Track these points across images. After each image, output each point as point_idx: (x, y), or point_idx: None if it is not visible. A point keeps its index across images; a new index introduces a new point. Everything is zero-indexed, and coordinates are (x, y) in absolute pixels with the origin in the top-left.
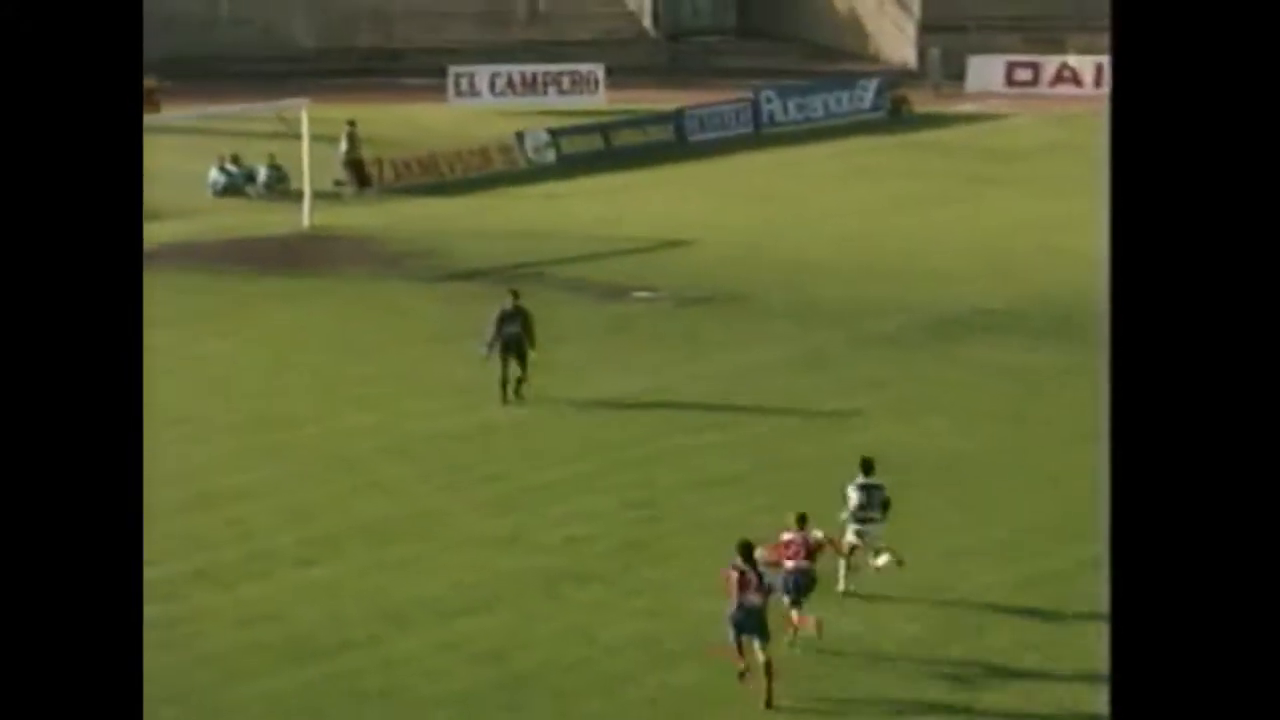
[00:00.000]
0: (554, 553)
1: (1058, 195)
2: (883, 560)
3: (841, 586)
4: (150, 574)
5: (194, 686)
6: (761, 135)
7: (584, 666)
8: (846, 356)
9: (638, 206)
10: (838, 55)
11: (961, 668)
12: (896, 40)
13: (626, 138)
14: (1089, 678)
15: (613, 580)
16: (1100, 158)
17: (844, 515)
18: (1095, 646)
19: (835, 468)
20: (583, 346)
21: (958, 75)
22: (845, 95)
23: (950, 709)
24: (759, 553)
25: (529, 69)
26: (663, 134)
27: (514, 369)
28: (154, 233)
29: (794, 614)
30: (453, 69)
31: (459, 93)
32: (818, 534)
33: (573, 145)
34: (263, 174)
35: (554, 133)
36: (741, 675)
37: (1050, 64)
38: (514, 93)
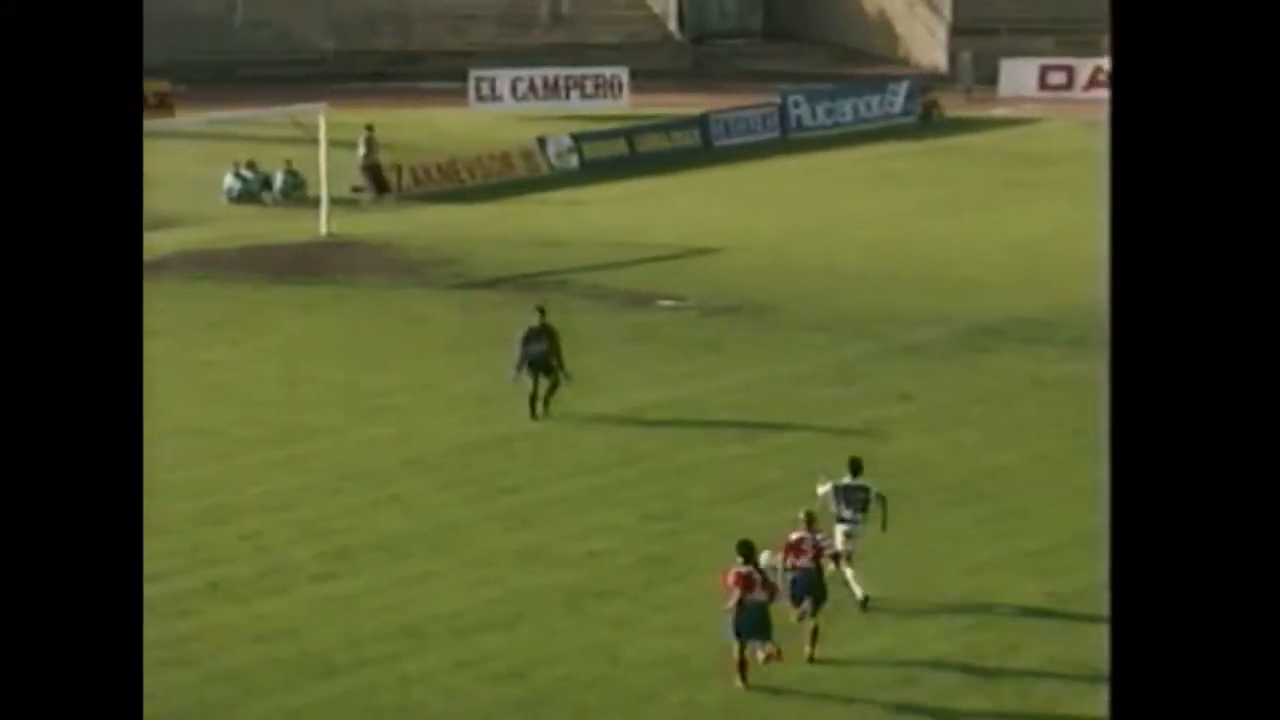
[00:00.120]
0: (575, 567)
1: (1092, 201)
2: (858, 592)
3: (859, 593)
4: (164, 589)
5: (208, 704)
6: (789, 140)
7: (606, 684)
8: (875, 367)
9: (662, 213)
10: (867, 58)
11: (993, 684)
12: (927, 43)
13: (651, 143)
14: None
15: (636, 596)
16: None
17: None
18: None
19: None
20: (605, 356)
21: (990, 79)
22: (875, 99)
23: None
24: (764, 557)
25: (551, 72)
26: (688, 139)
27: (544, 384)
28: (167, 240)
29: (794, 613)
30: (473, 72)
31: (480, 97)
32: (824, 538)
33: (596, 150)
34: (279, 180)
35: (577, 138)
36: (744, 678)
37: (1085, 67)
38: (536, 97)
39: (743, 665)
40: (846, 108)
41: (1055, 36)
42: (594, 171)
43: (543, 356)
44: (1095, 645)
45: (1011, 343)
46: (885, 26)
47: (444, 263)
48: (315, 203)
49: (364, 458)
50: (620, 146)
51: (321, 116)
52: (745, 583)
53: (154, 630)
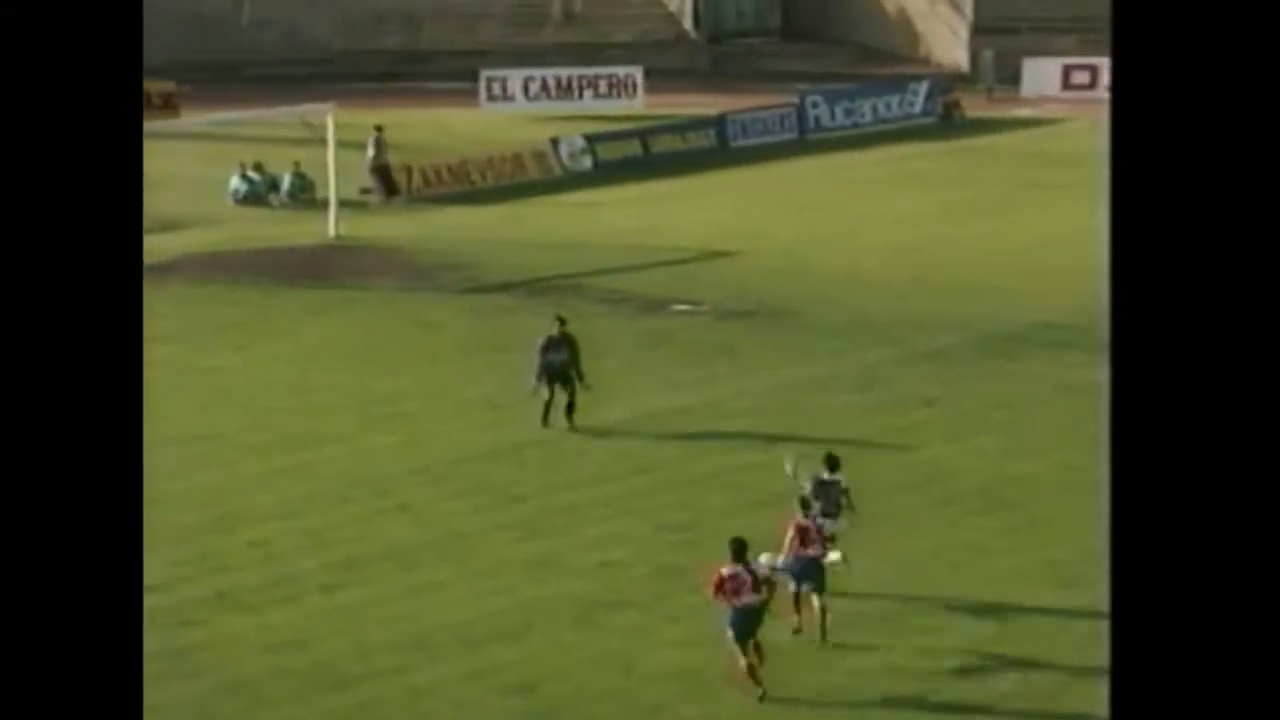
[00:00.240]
0: (588, 578)
1: None
2: (834, 556)
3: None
4: (170, 599)
5: (215, 716)
6: (807, 141)
7: (618, 697)
8: (896, 373)
9: (677, 216)
10: (887, 58)
11: (1017, 695)
12: (948, 42)
13: (666, 144)
14: None
15: (649, 607)
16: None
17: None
18: None
19: (885, 489)
20: (620, 361)
21: (1012, 78)
22: (895, 99)
23: None
24: (764, 558)
25: (564, 72)
26: (704, 140)
27: (560, 396)
28: (173, 243)
29: (798, 601)
30: (485, 72)
31: (491, 97)
32: (829, 524)
33: (610, 152)
34: (286, 182)
35: (590, 139)
36: (751, 670)
37: (1108, 67)
38: (548, 97)
39: (752, 670)
40: (866, 108)
41: (1078, 35)
42: (608, 173)
43: (562, 366)
44: None
45: (1035, 348)
46: (905, 25)
47: (455, 266)
48: (323, 205)
49: (373, 465)
50: (635, 148)
51: (329, 117)
52: (732, 585)
53: (159, 641)
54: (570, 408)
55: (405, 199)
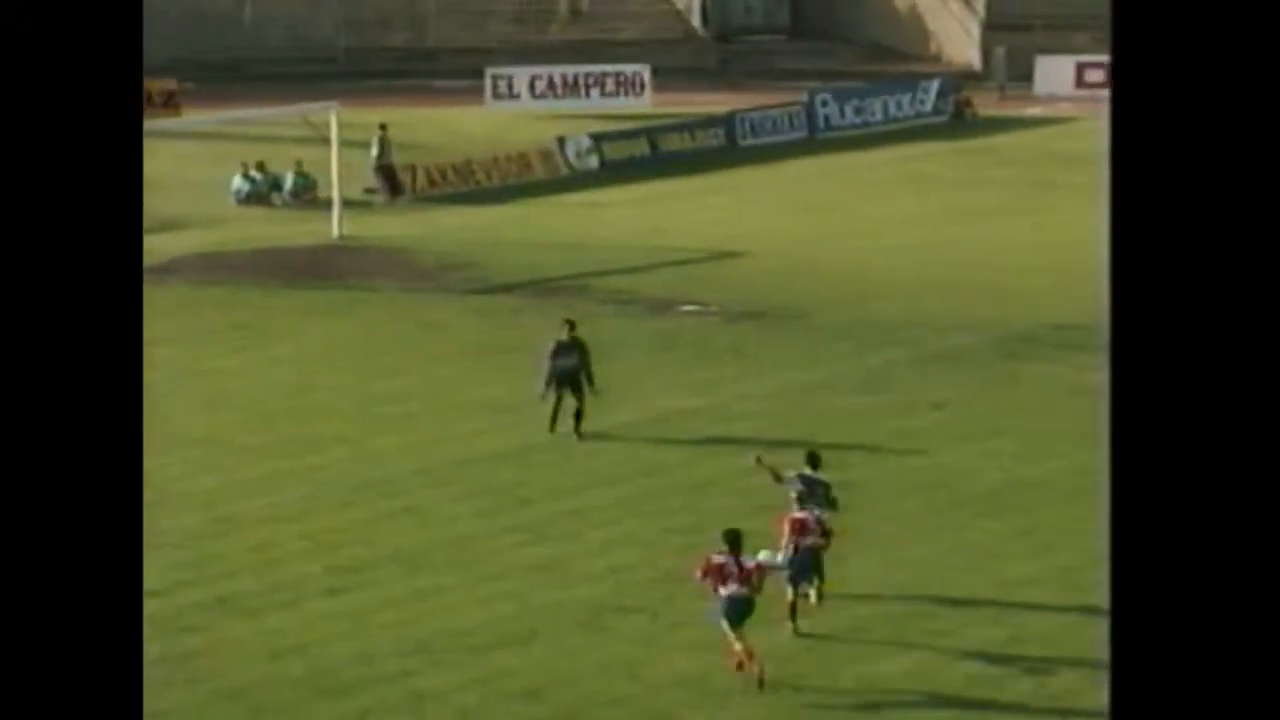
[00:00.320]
0: (594, 582)
1: None
2: (764, 555)
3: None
4: (170, 604)
5: None
6: (816, 140)
7: (626, 704)
8: (906, 376)
9: (685, 216)
10: (897, 56)
11: (1028, 702)
12: (960, 39)
13: (674, 143)
14: None
15: (657, 612)
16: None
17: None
18: None
19: (895, 493)
20: (627, 363)
21: (1025, 76)
22: (905, 98)
23: None
24: (763, 555)
25: (571, 70)
26: (712, 139)
27: (569, 402)
28: (174, 243)
29: (790, 590)
30: (490, 70)
31: (497, 95)
32: (823, 514)
33: (617, 151)
34: (289, 181)
35: (597, 138)
36: (740, 665)
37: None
38: (555, 95)
39: (749, 655)
40: (876, 107)
41: (1092, 32)
42: (615, 172)
43: (573, 372)
44: None
45: (1047, 349)
46: (916, 22)
47: (460, 267)
48: (327, 205)
49: (376, 468)
50: (642, 147)
51: (333, 116)
52: (719, 573)
53: (159, 646)
54: (579, 415)
55: (409, 199)
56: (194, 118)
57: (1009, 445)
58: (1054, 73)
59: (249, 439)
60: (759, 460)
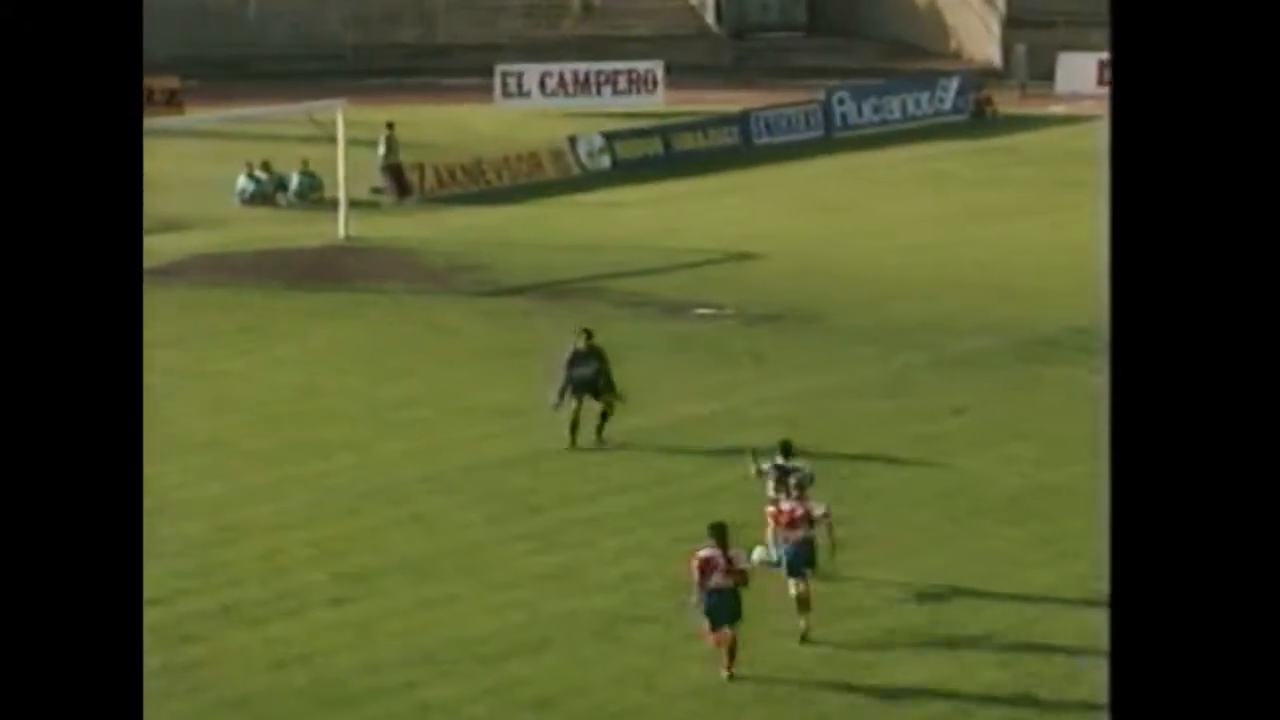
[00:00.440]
0: (607, 591)
1: None
2: (759, 554)
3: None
4: (172, 612)
5: None
6: (833, 139)
7: (640, 714)
8: (926, 379)
9: (699, 216)
10: (916, 53)
11: (1049, 717)
12: (980, 36)
13: (687, 142)
14: None
15: (671, 621)
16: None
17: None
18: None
19: (914, 499)
20: (641, 368)
21: (1046, 74)
22: (924, 96)
23: None
24: (758, 553)
25: (582, 67)
26: (727, 138)
27: (591, 408)
28: (178, 244)
29: (791, 585)
30: (500, 67)
31: (507, 93)
32: (816, 506)
33: (629, 150)
34: (294, 181)
35: (609, 136)
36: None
37: None
38: (566, 93)
39: (721, 645)
40: (894, 105)
41: None
42: (627, 172)
43: (589, 381)
44: None
45: (1070, 353)
46: (935, 19)
47: (469, 268)
48: (333, 205)
49: (384, 474)
50: (655, 146)
51: (340, 114)
52: (706, 566)
53: (161, 656)
54: (604, 417)
55: (418, 199)
56: (197, 116)
57: (1031, 451)
58: (1076, 70)
59: (253, 444)
60: (754, 456)
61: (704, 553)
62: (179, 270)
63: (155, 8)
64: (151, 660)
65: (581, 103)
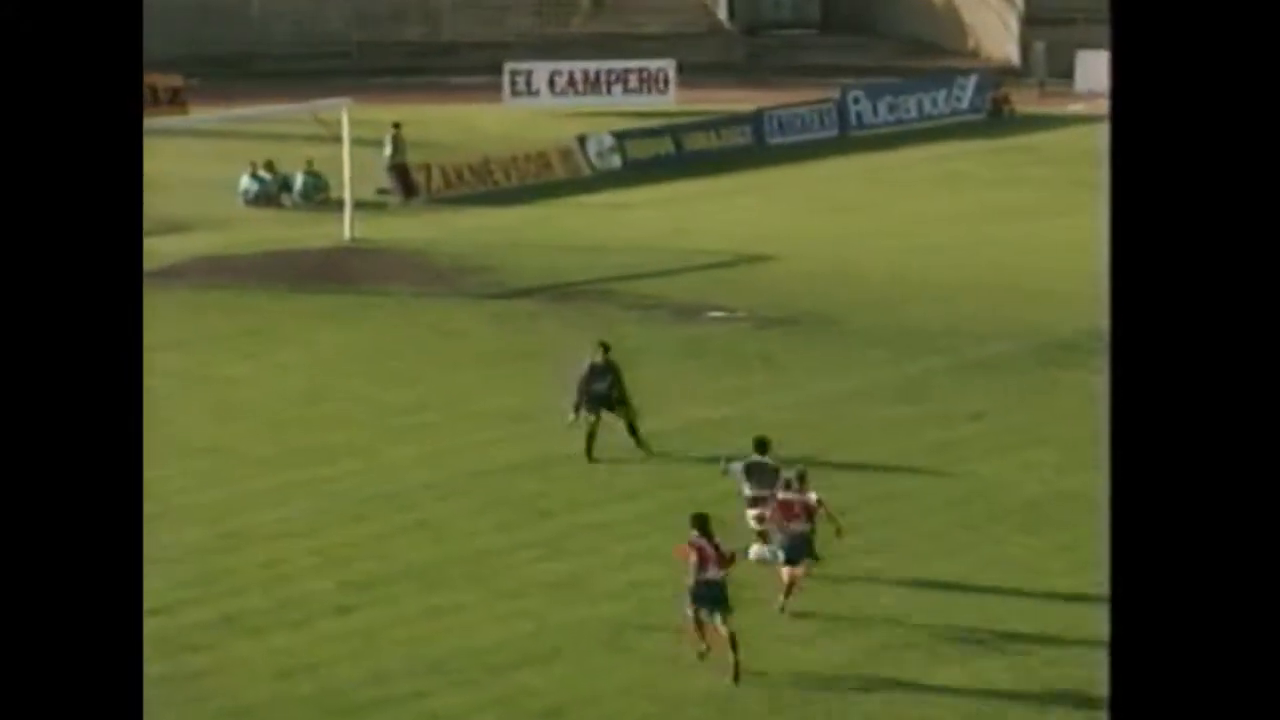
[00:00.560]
0: (617, 599)
1: None
2: (755, 550)
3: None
4: (174, 621)
5: None
6: (848, 139)
7: None
8: (943, 384)
9: (712, 217)
10: (933, 51)
11: None
12: (998, 33)
13: (699, 141)
14: None
15: (681, 630)
16: None
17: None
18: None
19: (931, 506)
20: (651, 372)
21: (1065, 72)
22: (941, 95)
23: None
24: (754, 550)
25: (592, 66)
26: (739, 137)
27: (612, 422)
28: (180, 245)
29: (785, 572)
30: (508, 65)
31: (515, 92)
32: (813, 496)
33: (640, 150)
34: (299, 181)
35: (620, 136)
36: (702, 655)
37: None
38: (576, 92)
39: (699, 629)
40: (910, 104)
41: None
42: (638, 172)
43: (604, 396)
44: None
45: (1089, 357)
46: (953, 16)
47: (477, 270)
48: (338, 206)
49: (390, 479)
50: (666, 145)
51: (345, 113)
52: (699, 555)
53: (164, 666)
54: (632, 429)
55: (424, 199)
56: (200, 115)
57: (1050, 456)
58: (1096, 68)
59: (257, 450)
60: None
61: (697, 543)
62: (181, 272)
63: (158, 5)
64: (152, 669)
65: (591, 101)
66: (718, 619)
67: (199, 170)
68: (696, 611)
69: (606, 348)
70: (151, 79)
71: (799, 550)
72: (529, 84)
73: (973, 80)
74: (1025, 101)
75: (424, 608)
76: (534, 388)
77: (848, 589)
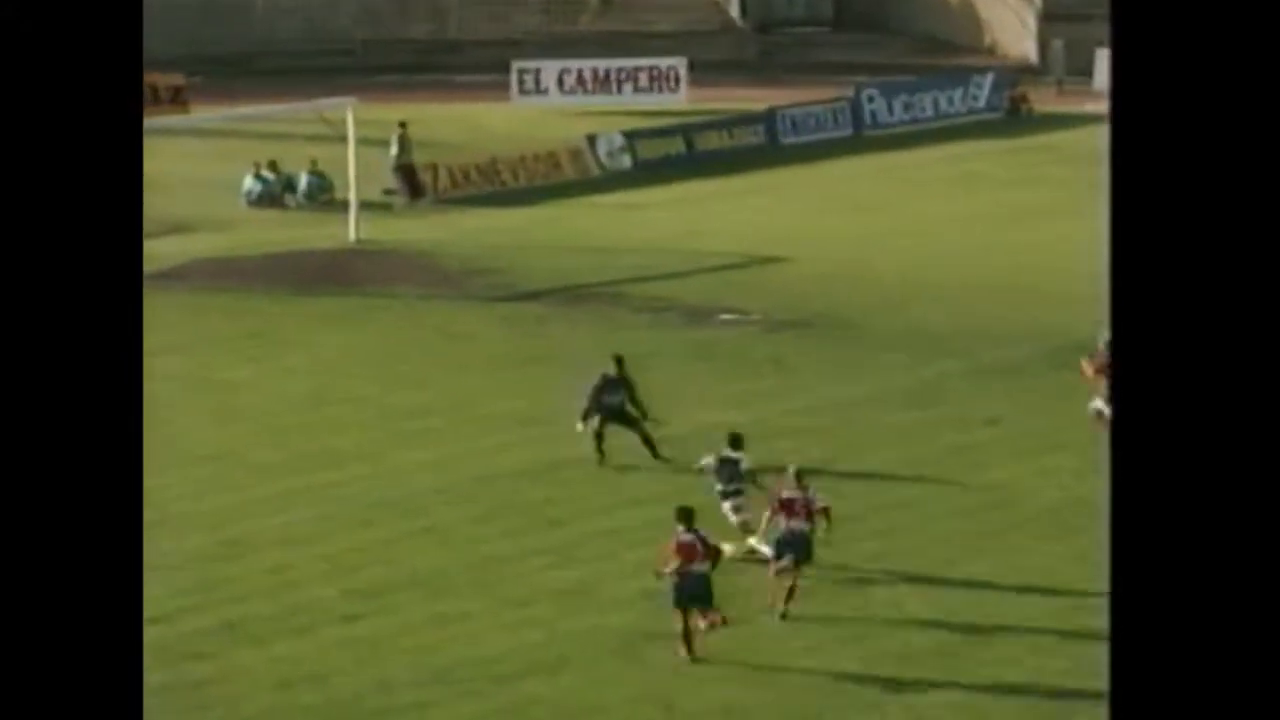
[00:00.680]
0: (627, 608)
1: None
2: (729, 549)
3: (769, 552)
4: (176, 629)
5: None
6: (863, 138)
7: None
8: (959, 388)
9: (723, 218)
10: (949, 48)
11: None
12: (1015, 31)
13: (711, 141)
14: None
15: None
16: None
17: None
18: None
19: (947, 513)
20: (662, 375)
21: (1084, 70)
22: (957, 93)
23: None
24: (751, 542)
25: (602, 64)
26: (752, 137)
27: (627, 436)
28: (183, 247)
29: (774, 567)
30: (517, 64)
31: (524, 90)
32: (816, 496)
33: (651, 149)
34: (303, 182)
35: (630, 135)
36: (693, 659)
37: None
38: (585, 90)
39: (687, 635)
40: (926, 102)
41: None
42: (649, 172)
43: (618, 409)
44: None
45: None
46: (969, 13)
47: (484, 272)
48: (343, 207)
49: (396, 485)
50: (677, 145)
51: (350, 112)
52: (686, 552)
53: (165, 674)
54: (648, 441)
55: (431, 200)
56: (202, 114)
57: (1069, 462)
58: None
59: (261, 455)
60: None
61: (684, 538)
62: (183, 274)
63: (159, 3)
64: (153, 678)
65: (601, 100)
66: (698, 612)
67: (201, 170)
68: (685, 612)
69: (620, 360)
70: (152, 78)
71: (795, 548)
72: (537, 83)
73: (989, 78)
74: (1043, 100)
75: (430, 615)
76: (543, 391)
77: (863, 595)
